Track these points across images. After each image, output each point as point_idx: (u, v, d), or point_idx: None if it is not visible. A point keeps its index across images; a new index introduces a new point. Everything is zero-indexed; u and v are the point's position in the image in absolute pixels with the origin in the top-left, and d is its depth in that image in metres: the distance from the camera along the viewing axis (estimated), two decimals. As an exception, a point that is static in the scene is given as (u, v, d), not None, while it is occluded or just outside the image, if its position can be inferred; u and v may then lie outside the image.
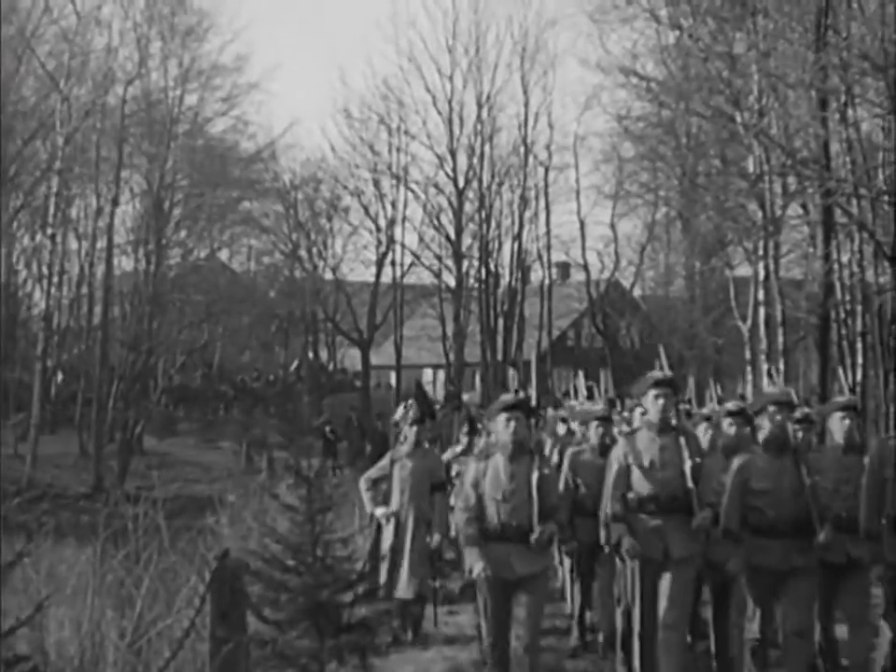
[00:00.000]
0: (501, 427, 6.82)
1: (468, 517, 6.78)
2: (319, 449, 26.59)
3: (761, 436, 7.10)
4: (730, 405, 8.29)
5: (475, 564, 6.61)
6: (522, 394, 7.39)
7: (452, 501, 9.67)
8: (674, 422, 7.09)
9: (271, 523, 9.68)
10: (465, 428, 11.45)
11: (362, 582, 7.42)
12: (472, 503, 6.78)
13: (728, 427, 7.94)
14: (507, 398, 7.00)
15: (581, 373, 11.12)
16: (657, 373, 7.29)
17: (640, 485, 6.89)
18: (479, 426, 10.61)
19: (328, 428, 29.67)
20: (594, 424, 8.60)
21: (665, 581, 6.80)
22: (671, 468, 6.87)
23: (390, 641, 8.83)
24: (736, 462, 7.00)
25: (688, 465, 6.81)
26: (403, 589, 9.01)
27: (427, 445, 9.83)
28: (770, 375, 10.48)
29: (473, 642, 8.39)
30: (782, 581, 6.77)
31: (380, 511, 9.29)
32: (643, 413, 7.88)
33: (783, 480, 6.82)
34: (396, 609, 9.22)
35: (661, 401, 6.95)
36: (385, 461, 9.57)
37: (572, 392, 10.91)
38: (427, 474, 9.27)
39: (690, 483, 6.78)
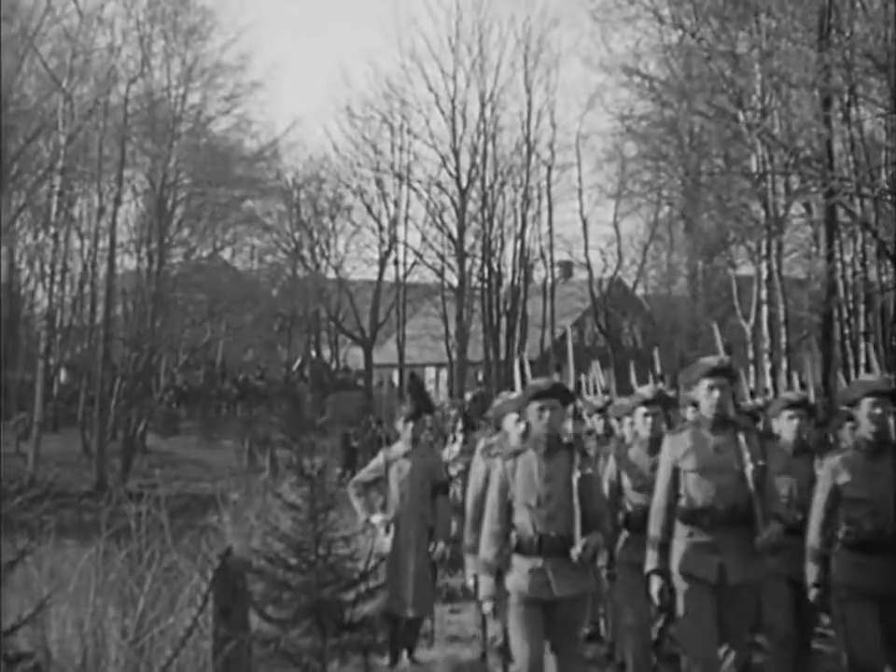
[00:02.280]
0: (534, 419, 5.78)
1: (493, 531, 5.76)
2: (341, 458, 26.02)
3: (846, 434, 6.33)
4: (790, 395, 7.22)
5: (487, 594, 5.77)
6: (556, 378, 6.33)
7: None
8: (731, 417, 6.03)
9: (273, 521, 9.62)
10: (459, 424, 10.88)
11: (365, 581, 7.37)
12: (498, 513, 5.76)
13: (788, 421, 6.76)
14: (539, 382, 5.96)
15: (595, 364, 10.13)
16: (712, 360, 6.14)
17: (691, 494, 5.81)
18: (476, 422, 10.29)
19: (351, 432, 29.07)
20: (640, 411, 6.96)
21: (723, 608, 5.73)
22: (729, 472, 5.75)
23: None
24: (827, 464, 5.96)
25: (749, 468, 5.69)
26: (406, 607, 8.09)
27: (425, 443, 8.96)
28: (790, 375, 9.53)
29: (475, 641, 8.40)
30: (887, 608, 5.63)
31: (376, 519, 8.28)
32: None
33: (883, 485, 5.69)
34: (389, 626, 8.10)
35: (716, 393, 5.86)
36: (377, 461, 8.52)
37: (585, 386, 9.64)
38: (427, 475, 8.27)
39: (752, 490, 5.68)
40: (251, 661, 6.51)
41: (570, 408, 6.63)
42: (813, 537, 5.91)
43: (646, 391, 7.06)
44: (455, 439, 11.27)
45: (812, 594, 5.96)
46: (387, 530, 8.20)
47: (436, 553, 8.17)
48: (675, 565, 5.83)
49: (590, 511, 5.68)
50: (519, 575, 5.73)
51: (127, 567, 7.70)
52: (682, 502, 5.84)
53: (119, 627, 6.82)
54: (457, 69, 37.39)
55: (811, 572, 5.94)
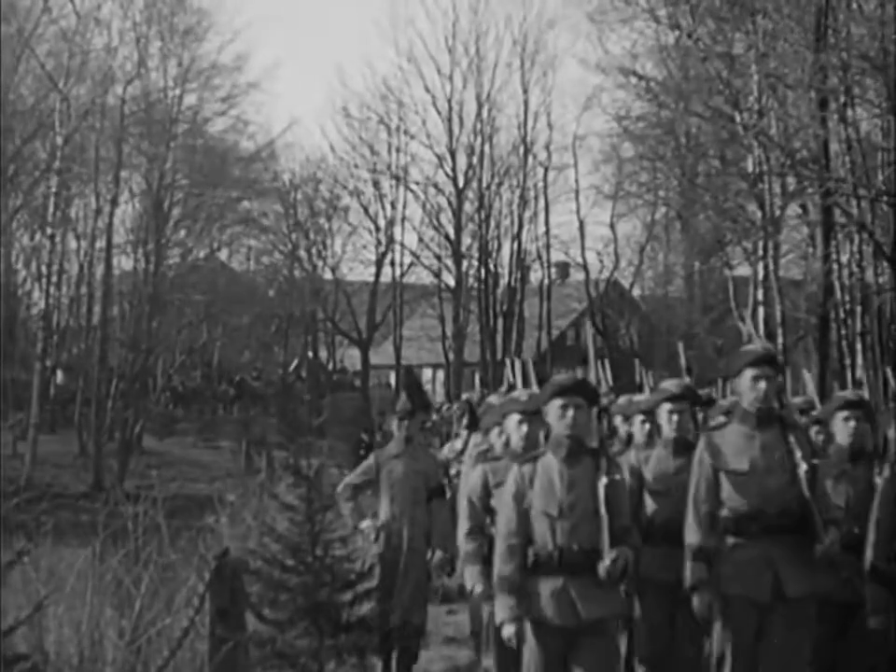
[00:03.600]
0: (555, 418, 5.11)
1: (509, 545, 5.05)
2: (352, 463, 25.74)
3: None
4: (847, 394, 6.55)
5: (508, 616, 4.98)
6: (580, 375, 5.96)
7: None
8: (778, 412, 5.45)
9: (270, 522, 9.61)
10: (464, 421, 10.20)
11: (361, 582, 7.36)
12: (515, 524, 5.06)
13: (844, 423, 6.03)
14: (561, 378, 5.33)
15: (598, 362, 9.73)
16: (756, 347, 5.64)
17: (736, 499, 5.19)
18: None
19: (363, 436, 28.79)
20: (665, 408, 6.22)
21: (775, 630, 5.07)
22: (779, 472, 5.15)
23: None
24: (888, 471, 5.36)
25: (802, 468, 5.09)
26: (398, 617, 7.54)
27: (420, 443, 8.37)
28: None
29: (471, 641, 8.39)
30: None
31: (365, 525, 7.70)
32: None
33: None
34: (382, 642, 7.54)
35: (762, 385, 5.26)
36: (368, 463, 7.99)
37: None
38: (421, 478, 7.69)
39: (806, 493, 5.06)
40: (248, 662, 6.51)
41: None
42: (876, 552, 5.23)
43: (672, 385, 6.36)
44: (457, 435, 11.08)
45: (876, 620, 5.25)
46: (377, 537, 7.62)
47: (434, 562, 7.62)
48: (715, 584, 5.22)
49: (617, 522, 4.97)
50: (536, 599, 4.97)
51: (124, 567, 7.70)
52: (724, 510, 5.22)
53: (115, 628, 6.82)
54: (454, 70, 37.43)
55: (875, 594, 5.23)
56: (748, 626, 5.10)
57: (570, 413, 5.07)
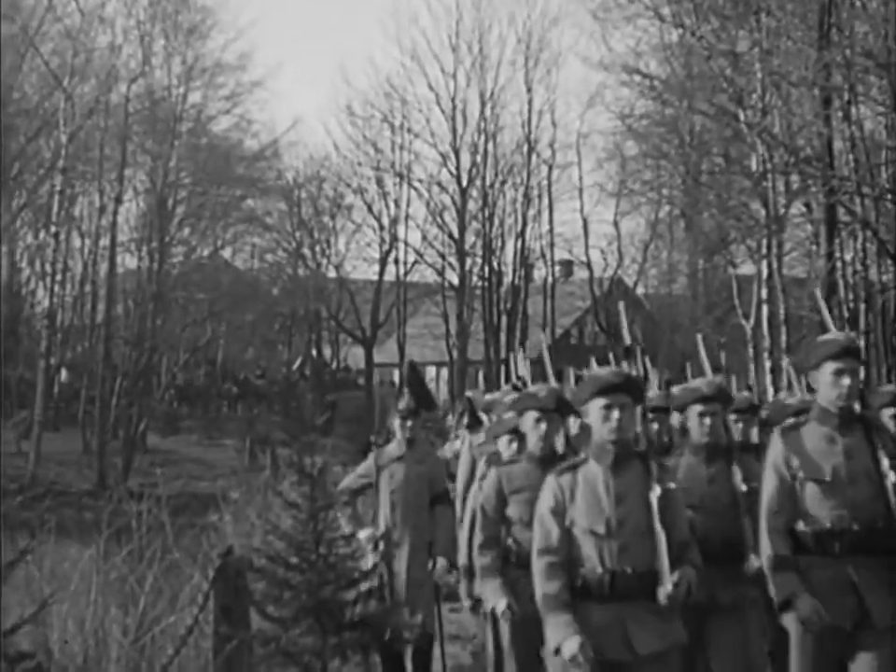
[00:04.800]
0: (598, 420, 4.42)
1: (549, 563, 4.34)
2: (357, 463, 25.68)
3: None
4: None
5: (567, 632, 4.22)
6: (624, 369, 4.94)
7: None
8: (860, 412, 4.78)
9: (274, 520, 9.60)
10: (464, 420, 9.79)
11: (365, 580, 7.35)
12: (555, 540, 4.36)
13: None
14: (606, 373, 4.59)
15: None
16: (839, 336, 4.89)
17: (816, 512, 4.52)
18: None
19: (373, 438, 28.45)
20: (695, 410, 5.50)
21: (862, 662, 4.38)
22: (864, 481, 4.48)
23: None
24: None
25: (892, 478, 4.42)
26: (403, 633, 6.93)
27: (424, 445, 7.72)
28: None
29: (475, 640, 8.40)
30: None
31: (363, 535, 7.11)
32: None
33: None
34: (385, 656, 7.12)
35: (845, 381, 4.58)
36: (367, 465, 7.37)
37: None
38: (424, 482, 7.14)
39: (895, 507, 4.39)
40: (252, 660, 6.52)
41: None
42: None
43: (702, 385, 5.61)
44: (457, 435, 11.01)
45: None
46: (376, 546, 7.04)
47: (437, 573, 7.00)
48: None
49: (674, 539, 4.32)
50: (585, 629, 4.24)
51: (128, 565, 7.72)
52: (801, 525, 4.55)
53: (120, 626, 6.83)
54: (458, 68, 37.43)
55: None
56: (828, 656, 4.45)
57: (616, 414, 4.37)
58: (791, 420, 5.17)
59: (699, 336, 6.72)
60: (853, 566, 4.42)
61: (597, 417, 4.43)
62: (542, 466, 5.20)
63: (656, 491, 4.36)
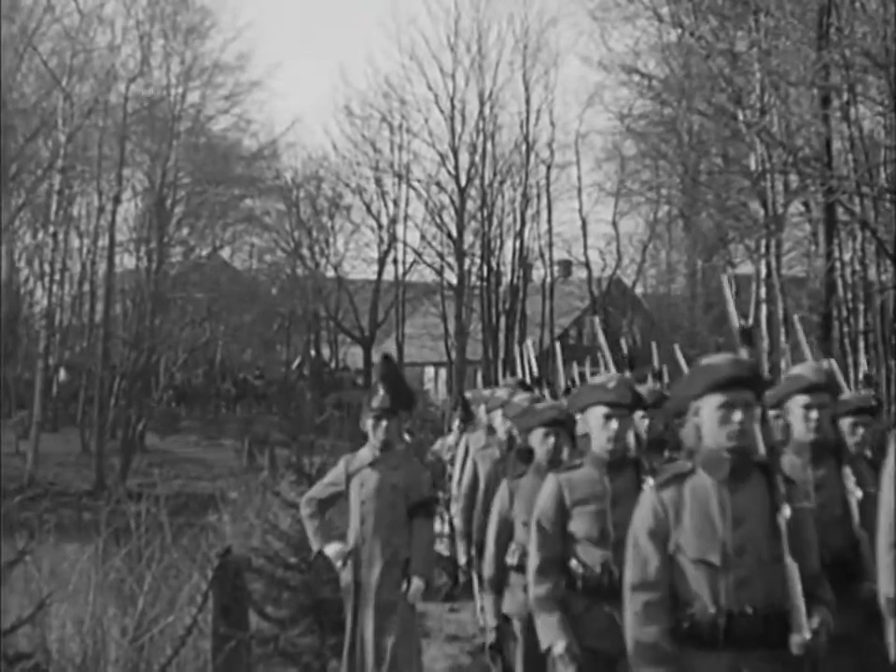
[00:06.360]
0: (714, 422, 3.53)
1: (647, 602, 3.48)
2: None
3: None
4: None
5: None
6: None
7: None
8: None
9: (273, 520, 9.62)
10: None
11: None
12: (656, 571, 3.50)
13: None
14: (720, 362, 3.63)
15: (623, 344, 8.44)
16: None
17: None
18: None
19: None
20: (799, 401, 4.62)
21: None
22: None
23: None
24: None
25: None
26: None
27: (401, 449, 6.74)
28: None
29: (475, 639, 8.40)
30: None
31: (331, 550, 6.20)
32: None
33: None
34: None
35: (736, 416, 3.81)
36: (336, 471, 6.43)
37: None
38: (400, 492, 6.18)
39: None
40: (250, 660, 6.52)
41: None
42: None
43: (807, 371, 4.74)
44: (451, 430, 10.85)
45: None
46: (345, 564, 6.15)
47: (411, 594, 6.07)
48: None
49: (805, 571, 3.45)
50: None
51: (126, 566, 7.72)
52: None
53: (118, 626, 6.83)
54: (456, 68, 37.41)
55: None
56: None
57: (737, 415, 3.49)
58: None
59: (797, 320, 5.58)
60: None
61: (713, 419, 3.54)
62: (611, 472, 4.50)
63: (785, 512, 3.48)
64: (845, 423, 4.91)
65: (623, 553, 3.70)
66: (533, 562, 4.51)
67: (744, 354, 3.93)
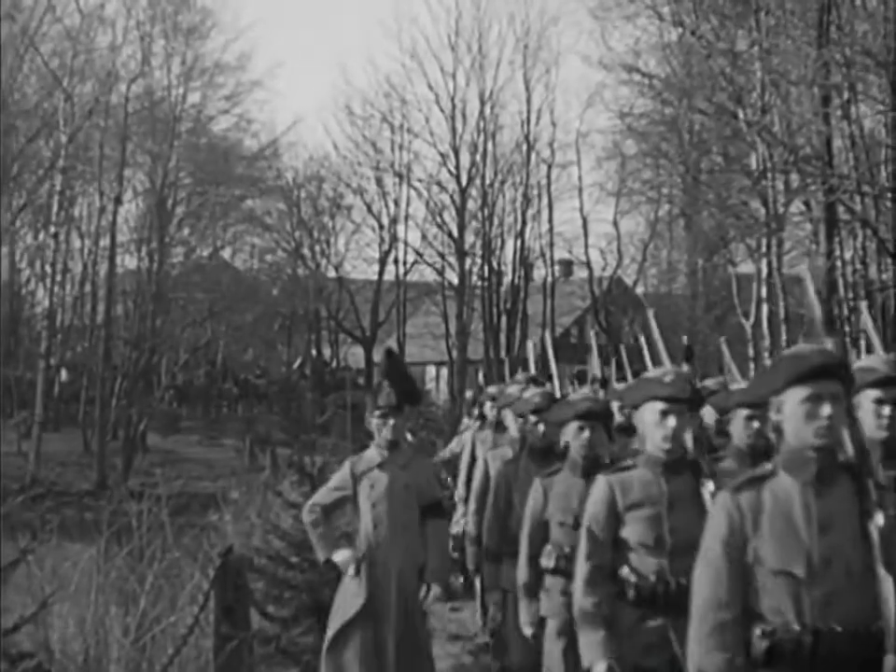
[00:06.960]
0: (798, 420, 3.14)
1: (720, 623, 3.08)
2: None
3: None
4: None
5: None
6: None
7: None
8: None
9: (274, 520, 9.63)
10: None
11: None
12: (728, 587, 3.11)
13: None
14: (805, 351, 3.26)
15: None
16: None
17: None
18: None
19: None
20: (870, 396, 4.12)
21: None
22: None
23: None
24: None
25: None
26: None
27: (410, 447, 6.59)
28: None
29: (476, 638, 8.40)
30: None
31: (340, 558, 5.93)
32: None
33: None
34: None
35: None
36: (342, 474, 6.13)
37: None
38: (412, 492, 5.92)
39: None
40: (252, 659, 6.53)
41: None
42: None
43: (880, 363, 4.26)
44: (468, 427, 10.63)
45: None
46: (357, 571, 5.83)
47: (428, 600, 5.90)
48: None
49: None
50: None
51: (128, 565, 7.72)
52: None
53: (120, 626, 6.83)
54: (457, 68, 37.37)
55: None
56: None
57: (825, 409, 3.11)
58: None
59: (864, 305, 4.94)
60: None
61: (797, 415, 3.15)
62: (668, 473, 4.15)
63: (878, 519, 3.08)
64: None
65: (679, 562, 3.46)
66: (581, 571, 4.17)
67: (829, 345, 3.57)
